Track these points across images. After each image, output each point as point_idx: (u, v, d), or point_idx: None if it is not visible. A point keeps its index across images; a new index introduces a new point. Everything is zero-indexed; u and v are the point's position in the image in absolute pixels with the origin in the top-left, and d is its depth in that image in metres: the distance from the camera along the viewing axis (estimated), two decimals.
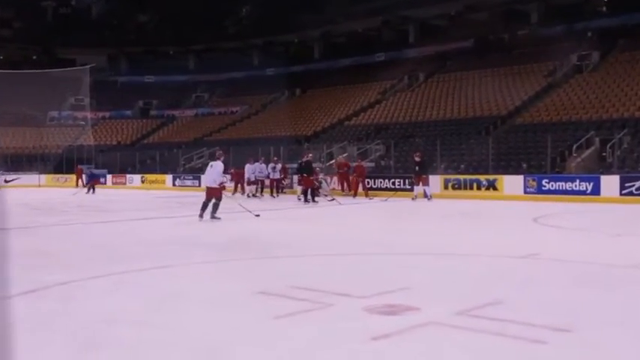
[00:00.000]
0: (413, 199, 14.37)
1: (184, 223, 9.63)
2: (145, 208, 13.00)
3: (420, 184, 14.53)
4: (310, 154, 15.49)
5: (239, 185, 17.61)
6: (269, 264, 5.46)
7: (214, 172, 9.15)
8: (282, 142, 24.93)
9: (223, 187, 8.95)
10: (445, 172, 17.40)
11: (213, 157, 9.83)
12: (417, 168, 14.54)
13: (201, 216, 9.13)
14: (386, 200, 14.80)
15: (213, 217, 9.02)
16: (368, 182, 16.92)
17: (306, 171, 14.40)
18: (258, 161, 17.24)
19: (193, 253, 6.04)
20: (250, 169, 16.88)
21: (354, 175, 16.74)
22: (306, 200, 13.60)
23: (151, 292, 4.16)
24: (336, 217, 10.59)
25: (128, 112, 37.57)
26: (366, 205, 13.74)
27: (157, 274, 4.89)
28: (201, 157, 26.58)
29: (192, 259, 5.60)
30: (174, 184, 23.66)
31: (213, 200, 8.99)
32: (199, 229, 8.56)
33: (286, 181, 17.96)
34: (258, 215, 14.19)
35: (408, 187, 16.63)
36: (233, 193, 16.97)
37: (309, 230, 8.21)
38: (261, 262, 5.58)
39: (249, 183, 16.97)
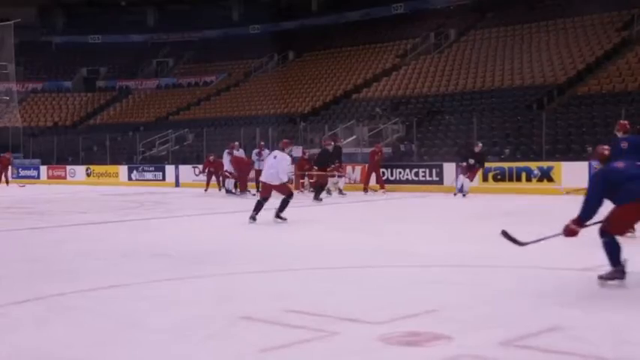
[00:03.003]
0: (455, 194, 14.38)
1: (144, 228, 9.75)
2: (92, 209, 13.13)
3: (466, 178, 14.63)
4: (338, 140, 15.48)
5: (218, 178, 17.59)
6: (255, 280, 5.48)
7: (280, 166, 9.38)
8: (271, 121, 25.16)
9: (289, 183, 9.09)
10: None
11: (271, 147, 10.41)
12: (472, 161, 14.57)
13: (253, 218, 9.36)
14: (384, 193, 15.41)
15: (278, 216, 9.27)
16: (383, 173, 17.12)
17: (331, 161, 14.67)
18: (235, 147, 17.28)
19: (156, 267, 6.09)
20: (227, 158, 17.09)
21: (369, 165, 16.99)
22: (316, 198, 13.77)
23: (98, 320, 4.17)
24: (342, 220, 10.73)
25: (67, 84, 37.51)
26: (380, 204, 13.90)
27: (107, 296, 4.91)
28: (166, 141, 26.69)
29: (154, 275, 5.64)
30: (130, 178, 23.78)
31: (283, 197, 9.34)
32: (165, 235, 8.67)
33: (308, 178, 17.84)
34: (254, 194, 14.08)
35: (435, 178, 16.64)
36: (206, 189, 17.04)
37: (308, 236, 8.31)
38: (245, 277, 5.59)
39: (230, 177, 16.97)
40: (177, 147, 26.33)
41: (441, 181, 16.61)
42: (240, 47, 35.15)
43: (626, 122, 7.78)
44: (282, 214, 9.37)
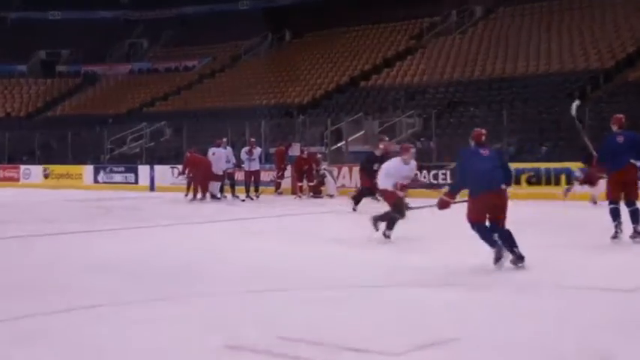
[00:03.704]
0: (595, 202, 13.61)
1: (112, 239, 9.78)
2: (51, 217, 13.15)
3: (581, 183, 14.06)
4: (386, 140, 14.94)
5: (199, 183, 17.56)
6: (240, 302, 5.50)
7: (387, 169, 9.20)
8: (264, 114, 25.09)
9: (401, 190, 9.00)
10: (516, 158, 17.48)
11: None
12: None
13: (375, 227, 9.03)
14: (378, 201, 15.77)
15: (383, 233, 8.87)
16: None
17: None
18: (222, 144, 17.32)
19: (124, 287, 6.11)
20: (217, 157, 17.01)
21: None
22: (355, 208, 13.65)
23: (60, 348, 4.12)
24: (347, 231, 10.63)
25: (22, 68, 37.53)
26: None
27: (66, 321, 4.90)
28: (139, 137, 26.72)
29: (122, 296, 5.66)
30: (96, 181, 23.84)
31: (387, 209, 9.10)
32: (136, 248, 8.70)
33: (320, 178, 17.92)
34: (243, 200, 13.96)
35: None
36: (186, 194, 17.04)
37: (304, 250, 8.32)
38: (229, 299, 5.61)
39: (215, 179, 16.99)
40: (152, 144, 26.37)
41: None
42: (227, 26, 35.15)
43: (621, 116, 8.49)
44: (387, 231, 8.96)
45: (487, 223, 6.67)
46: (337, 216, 13.18)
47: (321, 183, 17.91)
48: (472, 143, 7.14)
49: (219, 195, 17.05)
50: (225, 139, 17.70)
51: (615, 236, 8.09)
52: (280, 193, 18.60)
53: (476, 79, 23.96)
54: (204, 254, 8.12)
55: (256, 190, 17.50)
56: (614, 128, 8.50)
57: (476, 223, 6.68)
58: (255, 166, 17.62)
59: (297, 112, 25.40)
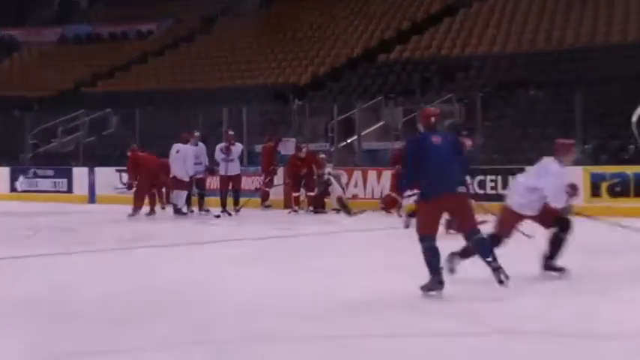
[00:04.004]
0: None
1: (37, 271, 9.80)
2: None
3: None
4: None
5: (157, 192, 17.75)
6: (211, 356, 5.58)
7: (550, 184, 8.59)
8: (247, 98, 25.15)
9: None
10: (592, 160, 17.50)
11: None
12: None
13: (451, 269, 8.33)
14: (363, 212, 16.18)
15: (550, 267, 8.53)
16: None
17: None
18: (190, 141, 17.33)
19: (54, 335, 6.15)
20: (182, 157, 16.99)
21: (398, 167, 16.91)
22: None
23: None
24: (360, 256, 10.71)
25: None
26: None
27: None
28: (75, 129, 26.71)
29: (50, 349, 5.66)
30: (13, 189, 23.89)
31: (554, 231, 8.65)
32: (76, 283, 8.75)
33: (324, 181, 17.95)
34: (218, 216, 15.94)
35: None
36: (133, 211, 16.98)
37: (311, 292, 8.16)
38: (199, 351, 5.69)
39: (179, 186, 17.05)
40: (92, 138, 26.40)
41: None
42: None
43: None
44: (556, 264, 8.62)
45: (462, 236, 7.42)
46: (353, 238, 13.15)
47: (325, 193, 17.89)
48: (420, 128, 7.43)
49: (184, 209, 17.09)
50: (197, 133, 17.72)
51: None
52: (268, 207, 18.66)
53: (538, 51, 24.00)
54: (162, 291, 8.15)
55: (236, 203, 17.51)
56: None
57: (426, 236, 7.26)
58: (235, 169, 17.65)
59: (293, 95, 25.42)
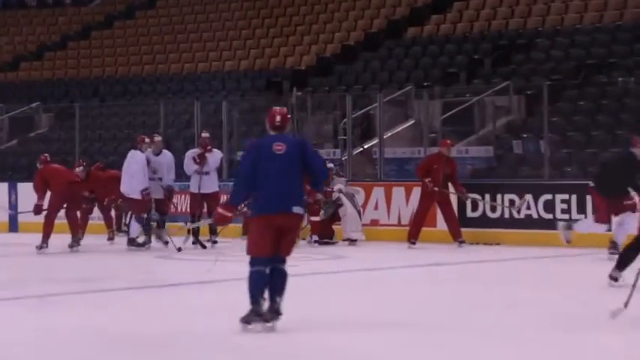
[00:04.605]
0: (611, 252, 14.44)
1: None
2: None
3: None
4: None
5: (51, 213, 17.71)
6: None
7: None
8: (229, 87, 25.58)
9: None
10: None
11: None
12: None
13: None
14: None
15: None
16: (466, 195, 17.85)
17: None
18: (153, 146, 17.43)
19: None
20: (138, 169, 17.25)
21: (428, 180, 17.35)
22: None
23: None
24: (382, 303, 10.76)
25: None
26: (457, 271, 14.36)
27: None
28: None
29: None
30: None
31: None
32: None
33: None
34: (180, 249, 16.77)
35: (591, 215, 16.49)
36: (42, 241, 17.10)
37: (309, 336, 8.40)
38: None
39: (135, 207, 17.13)
40: (14, 142, 26.62)
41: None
42: None
43: None
44: None
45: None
46: (371, 278, 13.09)
47: (334, 217, 18.03)
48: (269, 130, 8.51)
49: (140, 238, 17.25)
50: (158, 137, 17.85)
51: None
52: None
53: (631, 25, 24.02)
54: (103, 356, 8.12)
55: (212, 232, 17.62)
56: None
57: (255, 258, 8.44)
58: (211, 184, 17.73)
59: (291, 83, 25.44)
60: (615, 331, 8.54)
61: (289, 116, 8.67)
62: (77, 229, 17.39)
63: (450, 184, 17.45)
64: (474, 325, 9.12)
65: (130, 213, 17.62)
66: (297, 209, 8.36)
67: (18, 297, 11.70)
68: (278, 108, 8.62)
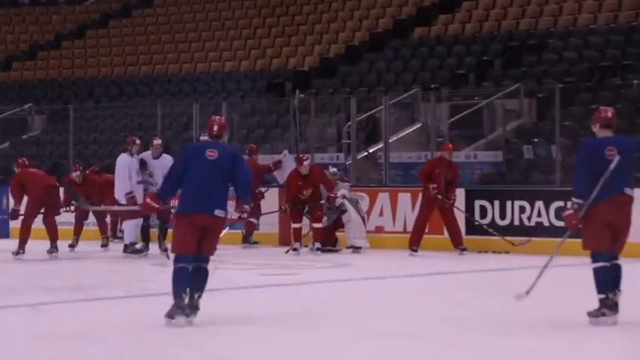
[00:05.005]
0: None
1: None
2: None
3: None
4: None
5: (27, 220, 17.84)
6: None
7: None
8: (229, 88, 25.72)
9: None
10: None
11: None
12: None
13: None
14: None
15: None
16: (470, 210, 18.26)
17: None
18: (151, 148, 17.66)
19: None
20: (124, 174, 17.43)
21: (433, 186, 17.55)
22: None
23: None
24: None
25: None
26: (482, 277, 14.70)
27: None
28: None
29: None
30: None
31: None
32: None
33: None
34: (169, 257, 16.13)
35: None
36: (19, 246, 17.28)
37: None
38: None
39: (131, 213, 17.28)
40: (6, 144, 26.69)
41: None
42: None
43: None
44: None
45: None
46: (379, 288, 13.18)
47: (338, 223, 17.85)
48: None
49: (138, 244, 17.33)
50: (157, 141, 17.83)
51: None
52: (255, 244, 19.07)
53: None
54: None
55: (165, 237, 17.30)
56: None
57: (179, 255, 9.44)
58: None
59: (294, 85, 25.63)
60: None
61: (226, 127, 10.05)
62: (56, 235, 17.62)
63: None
64: (473, 337, 9.26)
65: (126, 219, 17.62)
66: (218, 212, 9.32)
67: (10, 305, 11.58)
68: (217, 117, 9.95)
